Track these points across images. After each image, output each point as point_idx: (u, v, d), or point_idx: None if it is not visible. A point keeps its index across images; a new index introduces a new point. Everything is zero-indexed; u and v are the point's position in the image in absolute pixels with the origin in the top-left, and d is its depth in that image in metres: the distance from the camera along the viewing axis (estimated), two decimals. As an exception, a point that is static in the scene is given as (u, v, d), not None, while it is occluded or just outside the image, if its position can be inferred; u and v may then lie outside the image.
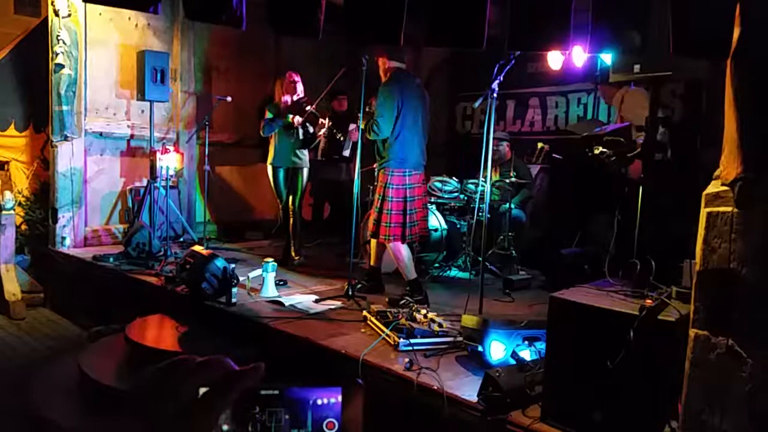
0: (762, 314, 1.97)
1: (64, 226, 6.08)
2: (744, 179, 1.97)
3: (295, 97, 5.65)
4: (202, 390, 0.60)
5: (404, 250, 4.40)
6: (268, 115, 5.65)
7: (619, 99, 4.17)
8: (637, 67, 2.51)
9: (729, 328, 2.03)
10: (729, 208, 2.03)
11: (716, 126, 2.15)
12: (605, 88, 4.52)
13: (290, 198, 5.75)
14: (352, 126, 4.67)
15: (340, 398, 0.66)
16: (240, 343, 3.77)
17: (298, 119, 5.50)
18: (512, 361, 2.92)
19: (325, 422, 0.66)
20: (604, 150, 2.66)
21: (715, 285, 2.05)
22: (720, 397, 2.05)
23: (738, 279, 2.01)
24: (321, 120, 5.55)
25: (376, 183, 4.59)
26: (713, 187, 2.11)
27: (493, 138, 4.04)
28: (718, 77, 2.11)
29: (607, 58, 2.94)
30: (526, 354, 2.96)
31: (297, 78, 5.68)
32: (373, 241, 4.61)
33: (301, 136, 5.63)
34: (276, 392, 0.64)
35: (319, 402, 0.66)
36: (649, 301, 2.32)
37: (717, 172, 2.15)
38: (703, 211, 2.11)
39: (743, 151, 1.97)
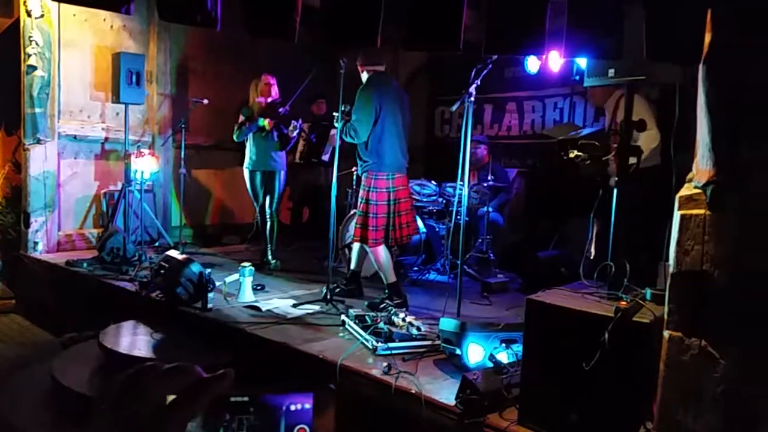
0: (734, 315, 2.00)
1: (37, 230, 5.96)
2: (716, 182, 2.00)
3: (269, 100, 5.63)
4: (171, 397, 0.59)
5: (384, 253, 4.40)
6: (241, 118, 5.62)
7: (613, 102, 4.20)
8: (611, 72, 2.54)
9: (702, 329, 2.06)
10: (702, 211, 2.06)
11: (690, 130, 2.18)
12: (595, 91, 4.55)
13: (267, 201, 5.72)
14: (333, 131, 4.68)
15: (311, 404, 0.65)
16: (216, 349, 3.73)
17: (269, 121, 5.47)
18: (490, 364, 2.93)
19: (296, 429, 0.65)
20: (579, 153, 2.69)
21: (688, 287, 2.08)
22: (693, 397, 2.07)
23: (710, 280, 2.03)
24: (293, 122, 5.52)
25: (357, 187, 4.57)
26: (686, 190, 2.13)
27: (471, 141, 4.07)
28: (691, 82, 2.14)
29: (582, 62, 2.97)
30: (504, 356, 2.97)
31: (272, 81, 5.66)
32: (355, 245, 4.60)
33: (275, 139, 5.61)
34: (246, 399, 0.64)
35: (292, 408, 0.65)
36: (624, 303, 2.34)
37: (690, 175, 2.18)
38: (677, 214, 2.13)
39: (715, 155, 2.00)
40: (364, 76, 4.47)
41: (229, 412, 0.64)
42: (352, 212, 5.39)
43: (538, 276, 4.55)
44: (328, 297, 4.36)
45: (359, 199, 4.46)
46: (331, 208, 4.55)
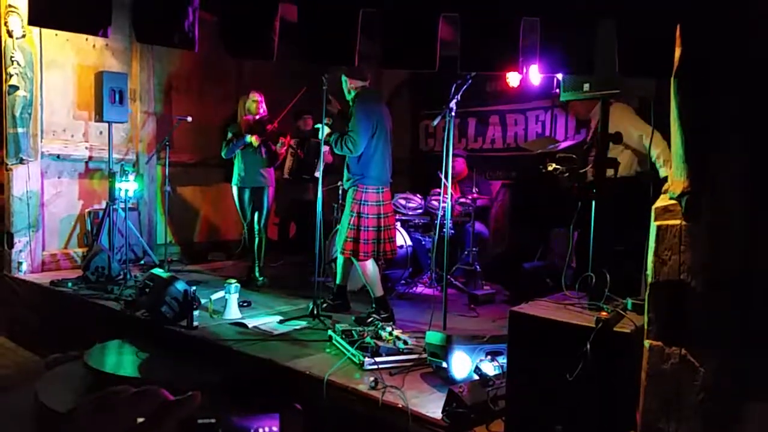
0: (712, 323, 2.03)
1: (21, 251, 5.91)
2: (690, 193, 2.04)
3: (257, 117, 5.65)
4: (140, 420, 0.59)
5: (373, 267, 4.43)
6: (229, 135, 5.64)
7: (597, 115, 4.25)
8: (586, 86, 2.59)
9: (681, 338, 2.09)
10: (678, 221, 2.10)
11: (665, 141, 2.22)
12: (577, 104, 4.60)
13: (255, 218, 5.71)
14: (326, 148, 4.72)
15: (278, 427, 0.66)
16: (202, 367, 3.70)
17: (257, 138, 5.49)
18: (476, 377, 2.94)
19: None
20: (557, 166, 2.73)
21: (666, 296, 2.11)
22: (675, 405, 2.09)
23: (688, 289, 2.07)
24: (282, 138, 5.55)
25: (342, 200, 4.59)
26: (662, 201, 2.17)
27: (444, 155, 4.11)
28: (664, 95, 2.19)
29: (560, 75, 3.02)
30: (490, 369, 2.99)
31: (259, 97, 5.69)
32: (340, 259, 4.60)
33: (264, 155, 5.62)
34: (213, 421, 0.64)
35: (260, 431, 0.66)
36: (605, 313, 2.37)
37: (665, 186, 2.22)
38: (654, 225, 2.17)
39: (688, 166, 2.04)
40: (349, 90, 4.49)
41: None
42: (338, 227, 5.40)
43: (524, 287, 4.58)
44: (315, 312, 4.35)
45: (349, 213, 4.44)
46: (316, 223, 4.56)
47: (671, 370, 2.10)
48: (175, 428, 0.61)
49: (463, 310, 4.82)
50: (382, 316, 4.21)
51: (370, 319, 4.07)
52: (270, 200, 5.77)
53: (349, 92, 4.49)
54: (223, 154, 5.67)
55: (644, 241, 2.26)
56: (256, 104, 5.65)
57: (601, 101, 2.59)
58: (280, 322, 4.29)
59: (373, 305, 4.40)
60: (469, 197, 5.63)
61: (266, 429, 0.66)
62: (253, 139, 5.49)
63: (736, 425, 2.00)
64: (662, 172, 3.53)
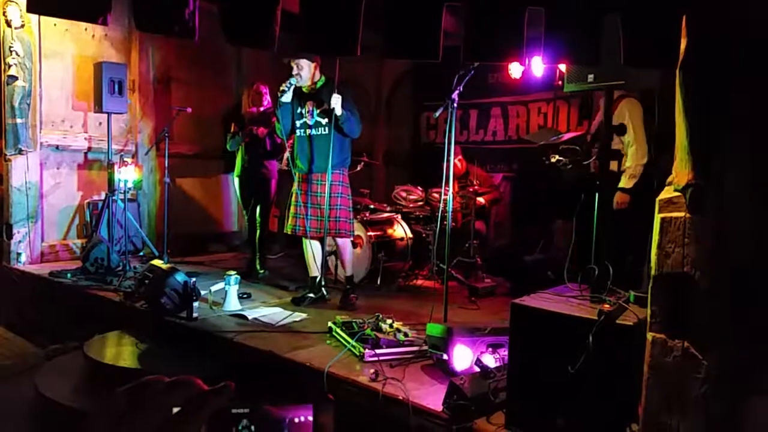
0: (715, 316, 2.02)
1: (20, 241, 5.90)
2: (695, 185, 2.03)
3: (261, 109, 5.63)
4: (176, 409, 0.59)
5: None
6: (232, 127, 5.62)
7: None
8: (590, 77, 2.57)
9: (684, 331, 2.08)
10: (681, 214, 2.08)
11: (669, 133, 2.20)
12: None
13: (257, 210, 5.70)
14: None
15: (311, 417, 0.66)
16: (202, 358, 3.70)
17: (262, 130, 5.46)
18: (477, 369, 2.93)
19: None
20: (560, 158, 2.71)
21: (669, 289, 2.10)
22: (677, 399, 2.09)
23: (691, 282, 2.05)
24: None
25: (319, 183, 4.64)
26: (666, 193, 2.16)
27: (438, 151, 4.15)
28: (669, 86, 2.16)
29: (564, 66, 2.99)
30: (491, 361, 2.98)
31: (264, 89, 5.66)
32: (315, 249, 4.68)
33: (269, 147, 5.60)
34: (247, 411, 0.64)
35: (296, 420, 0.65)
36: (607, 306, 2.36)
37: (670, 179, 2.20)
38: (657, 217, 2.15)
39: (693, 158, 2.02)
40: (318, 75, 4.57)
41: (232, 425, 0.63)
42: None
43: (526, 280, 4.57)
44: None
45: (347, 196, 4.64)
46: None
47: (674, 363, 2.09)
48: (209, 417, 0.61)
49: (463, 303, 4.81)
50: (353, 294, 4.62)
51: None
52: (272, 192, 5.75)
53: (319, 78, 4.58)
54: (228, 146, 5.66)
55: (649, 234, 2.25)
56: (260, 96, 5.62)
57: (605, 92, 2.57)
58: (280, 314, 4.27)
59: (348, 286, 4.70)
60: (470, 190, 5.59)
61: (300, 419, 0.65)
62: (258, 132, 5.45)
63: (738, 418, 2.00)
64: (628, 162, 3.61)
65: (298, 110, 4.57)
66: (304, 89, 4.58)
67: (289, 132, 4.63)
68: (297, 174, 4.71)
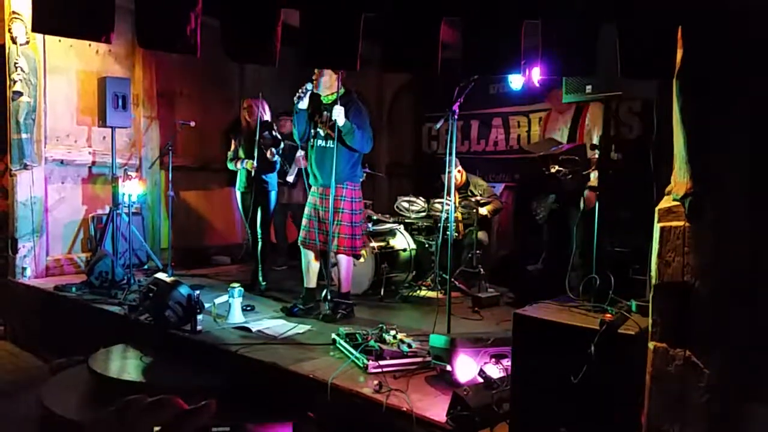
0: (716, 325, 2.02)
1: (25, 256, 5.93)
2: (693, 194, 2.04)
3: (254, 117, 5.62)
4: (156, 429, 0.60)
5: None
6: (233, 144, 5.63)
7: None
8: (588, 88, 2.59)
9: (686, 339, 2.08)
10: (681, 223, 2.09)
11: (668, 142, 2.22)
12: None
13: (258, 222, 5.71)
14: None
15: None
16: (206, 371, 3.70)
17: (272, 151, 5.40)
18: (480, 380, 2.93)
19: None
20: (560, 168, 2.72)
21: (670, 298, 2.10)
22: (679, 408, 2.09)
23: (692, 291, 2.06)
24: (272, 149, 5.46)
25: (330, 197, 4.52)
26: (665, 203, 2.17)
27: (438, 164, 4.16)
28: (667, 96, 2.18)
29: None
30: (494, 371, 2.98)
31: (249, 103, 5.64)
32: (312, 264, 4.69)
33: (278, 163, 5.61)
34: (228, 429, 0.65)
35: None
36: (609, 315, 2.36)
37: (669, 188, 2.21)
38: (657, 226, 2.16)
39: (691, 167, 2.04)
40: (337, 86, 4.45)
41: None
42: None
43: (529, 289, 4.57)
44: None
45: (358, 212, 4.57)
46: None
47: (676, 371, 2.09)
48: None
49: (466, 314, 4.81)
50: (346, 309, 4.58)
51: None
52: (272, 204, 5.76)
53: (339, 89, 4.45)
54: (229, 166, 5.69)
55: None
56: (250, 108, 5.61)
57: (603, 103, 2.59)
58: (284, 326, 4.27)
59: (333, 300, 4.59)
60: (473, 200, 5.61)
61: None
62: (268, 154, 5.40)
63: (741, 427, 2.00)
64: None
65: (315, 119, 4.54)
66: (323, 99, 4.52)
67: (305, 138, 4.59)
68: (310, 186, 4.72)
